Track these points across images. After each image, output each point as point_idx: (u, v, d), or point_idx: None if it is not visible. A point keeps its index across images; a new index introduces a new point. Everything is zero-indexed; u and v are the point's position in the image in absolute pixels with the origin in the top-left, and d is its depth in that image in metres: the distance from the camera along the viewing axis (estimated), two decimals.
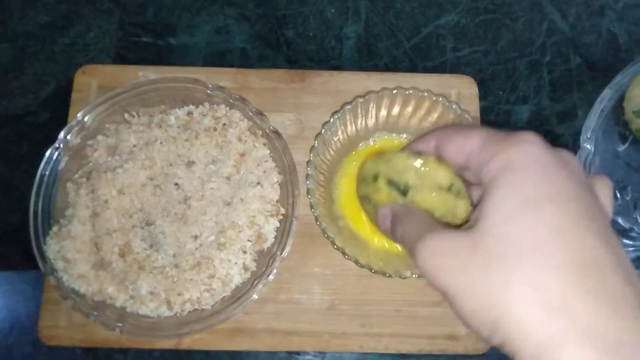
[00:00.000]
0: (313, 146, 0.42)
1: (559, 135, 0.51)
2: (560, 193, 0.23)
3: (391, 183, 0.31)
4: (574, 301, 0.20)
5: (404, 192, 0.30)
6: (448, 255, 0.24)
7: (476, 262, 0.23)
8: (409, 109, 0.44)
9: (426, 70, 0.52)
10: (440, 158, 0.29)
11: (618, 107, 0.49)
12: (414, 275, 0.39)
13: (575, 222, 0.22)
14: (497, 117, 0.51)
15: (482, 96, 0.50)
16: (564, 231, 0.22)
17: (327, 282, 0.45)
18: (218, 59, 0.52)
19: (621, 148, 0.50)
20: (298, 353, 0.45)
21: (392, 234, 0.29)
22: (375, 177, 0.32)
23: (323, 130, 0.42)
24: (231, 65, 0.51)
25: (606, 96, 0.48)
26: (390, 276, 0.39)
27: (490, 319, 0.22)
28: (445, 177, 0.29)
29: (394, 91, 0.42)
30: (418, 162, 0.29)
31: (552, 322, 0.20)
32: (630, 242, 0.47)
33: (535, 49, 0.53)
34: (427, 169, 0.29)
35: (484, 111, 0.50)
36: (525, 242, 0.22)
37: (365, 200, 0.34)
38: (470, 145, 0.26)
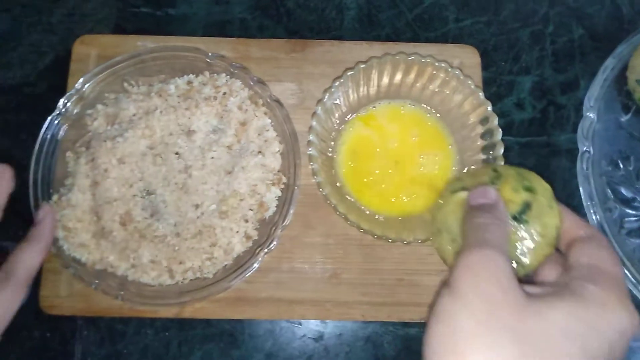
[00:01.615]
0: (315, 112, 0.42)
1: (562, 105, 0.51)
2: None
3: (515, 189, 0.31)
4: None
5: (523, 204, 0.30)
6: (490, 289, 0.24)
7: (502, 335, 0.23)
8: (411, 76, 0.44)
9: (428, 41, 0.52)
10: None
11: (621, 77, 0.49)
12: (417, 240, 0.39)
13: None
14: (499, 88, 0.51)
15: (485, 67, 0.50)
16: None
17: (329, 251, 0.45)
18: (217, 29, 0.52)
19: (624, 118, 0.49)
20: (300, 322, 0.45)
21: (471, 214, 0.29)
22: (496, 177, 0.32)
23: (325, 96, 0.42)
24: (231, 36, 0.50)
25: (609, 65, 0.48)
26: (392, 241, 0.39)
27: None
28: (554, 222, 0.30)
29: (397, 56, 0.42)
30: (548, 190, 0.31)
31: None
32: (633, 212, 0.47)
33: (538, 19, 0.53)
34: (549, 202, 0.30)
35: (486, 82, 0.50)
36: None
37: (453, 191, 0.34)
38: (603, 257, 0.27)
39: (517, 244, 0.29)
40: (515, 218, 0.30)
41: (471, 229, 0.28)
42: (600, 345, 0.23)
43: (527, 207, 0.30)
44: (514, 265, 0.29)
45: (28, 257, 0.37)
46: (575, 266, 0.27)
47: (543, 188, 0.31)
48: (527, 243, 0.29)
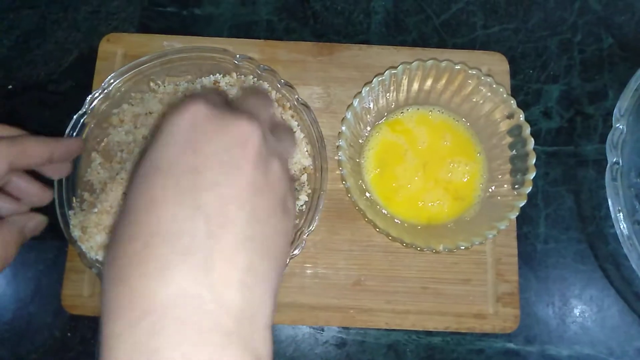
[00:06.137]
0: (344, 118, 0.41)
1: (590, 115, 0.50)
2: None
3: None
4: None
5: None
6: None
7: None
8: (442, 82, 0.43)
9: (455, 47, 0.51)
10: None
11: None
12: (446, 250, 0.39)
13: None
14: (526, 96, 0.50)
15: (512, 74, 0.49)
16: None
17: (353, 257, 0.45)
18: (243, 30, 0.51)
19: None
20: (322, 329, 0.45)
21: None
22: None
23: (355, 101, 0.41)
24: (257, 38, 0.50)
25: None
26: (421, 249, 0.39)
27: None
28: None
29: (428, 62, 0.41)
30: None
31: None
32: None
33: (567, 28, 0.52)
34: None
35: (513, 89, 0.50)
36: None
37: None
38: None
39: None
40: None
41: None
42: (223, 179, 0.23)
43: None
44: None
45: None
46: None
47: None
48: None
